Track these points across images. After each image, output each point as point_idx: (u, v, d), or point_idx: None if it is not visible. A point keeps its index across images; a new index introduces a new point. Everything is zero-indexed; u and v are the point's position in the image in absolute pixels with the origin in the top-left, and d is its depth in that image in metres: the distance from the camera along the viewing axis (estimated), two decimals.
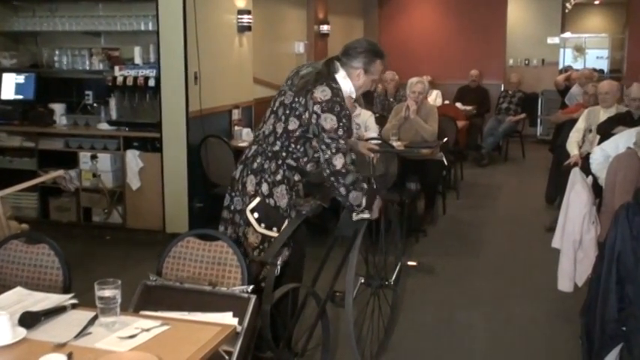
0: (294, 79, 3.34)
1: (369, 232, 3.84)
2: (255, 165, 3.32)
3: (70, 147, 6.60)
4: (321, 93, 3.20)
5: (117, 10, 6.64)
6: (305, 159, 3.26)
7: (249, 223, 3.31)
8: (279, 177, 3.28)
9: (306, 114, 3.22)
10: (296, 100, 3.26)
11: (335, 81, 3.29)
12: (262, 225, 3.28)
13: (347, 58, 3.39)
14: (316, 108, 3.19)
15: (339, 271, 3.63)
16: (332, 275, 3.61)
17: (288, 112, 3.28)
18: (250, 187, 3.31)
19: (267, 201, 3.27)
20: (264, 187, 3.28)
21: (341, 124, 3.16)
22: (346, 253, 3.64)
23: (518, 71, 12.29)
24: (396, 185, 5.79)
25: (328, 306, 3.56)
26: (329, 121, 3.16)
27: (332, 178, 3.21)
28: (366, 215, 3.41)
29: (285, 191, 3.28)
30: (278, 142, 3.29)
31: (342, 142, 3.16)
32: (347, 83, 3.36)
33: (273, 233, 3.26)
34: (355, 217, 3.44)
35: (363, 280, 4.04)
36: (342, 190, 3.22)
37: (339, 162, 3.17)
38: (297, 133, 3.25)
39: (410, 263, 4.53)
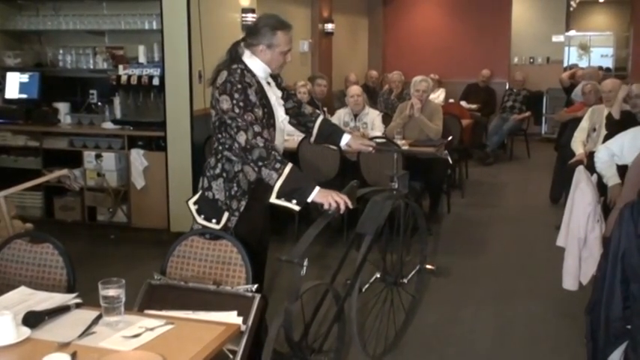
0: None
1: (390, 230, 3.88)
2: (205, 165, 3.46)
3: (75, 146, 6.61)
4: (220, 78, 3.25)
5: (121, 9, 6.65)
6: (235, 144, 3.23)
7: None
8: (217, 170, 3.35)
9: (214, 102, 3.29)
10: (212, 94, 3.33)
11: (239, 63, 3.29)
12: (202, 216, 3.37)
13: (250, 37, 3.37)
14: (216, 93, 3.25)
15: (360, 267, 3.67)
16: (351, 273, 3.64)
17: (211, 108, 3.36)
18: (199, 186, 3.44)
19: (205, 194, 3.37)
20: (205, 182, 3.39)
21: (234, 101, 3.16)
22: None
23: (523, 69, 12.26)
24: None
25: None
26: (225, 102, 3.18)
27: (241, 156, 3.21)
28: (292, 205, 3.13)
29: (222, 184, 3.33)
30: (214, 139, 3.38)
31: (239, 120, 3.14)
32: (255, 62, 3.33)
33: (212, 225, 3.31)
34: (281, 202, 3.14)
35: (378, 275, 4.09)
36: (254, 166, 3.16)
37: (241, 139, 3.14)
38: (217, 123, 3.31)
39: (428, 267, 4.54)
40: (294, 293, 3.02)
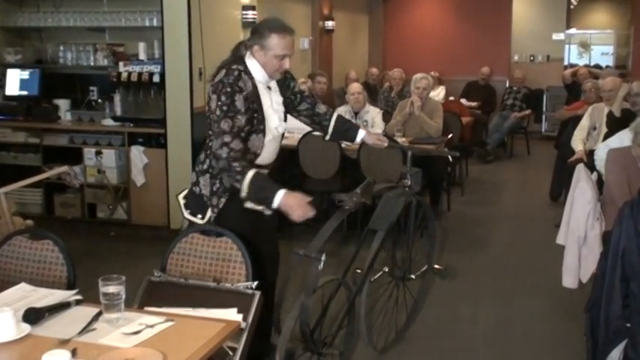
0: None
1: (402, 226, 3.94)
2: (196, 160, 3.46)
3: (75, 143, 6.61)
4: (217, 76, 3.22)
5: (121, 6, 6.64)
6: None
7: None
8: (205, 166, 3.35)
9: (208, 98, 3.28)
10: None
11: (240, 64, 3.26)
12: (188, 211, 3.39)
13: (250, 38, 3.33)
14: (209, 91, 3.23)
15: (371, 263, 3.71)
16: (362, 266, 3.68)
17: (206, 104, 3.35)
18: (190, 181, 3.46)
19: (193, 189, 3.38)
20: (194, 177, 3.40)
21: (219, 103, 3.13)
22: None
23: (523, 67, 12.25)
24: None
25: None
26: (212, 102, 3.17)
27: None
28: (256, 206, 3.21)
29: (208, 180, 3.33)
30: (207, 135, 3.36)
31: (215, 125, 3.12)
32: (254, 64, 3.28)
33: (197, 220, 3.32)
34: (254, 206, 3.22)
35: (387, 269, 4.14)
36: (220, 173, 3.23)
37: (214, 145, 3.16)
38: (209, 120, 3.26)
39: (436, 267, 4.56)
40: (312, 287, 3.05)
